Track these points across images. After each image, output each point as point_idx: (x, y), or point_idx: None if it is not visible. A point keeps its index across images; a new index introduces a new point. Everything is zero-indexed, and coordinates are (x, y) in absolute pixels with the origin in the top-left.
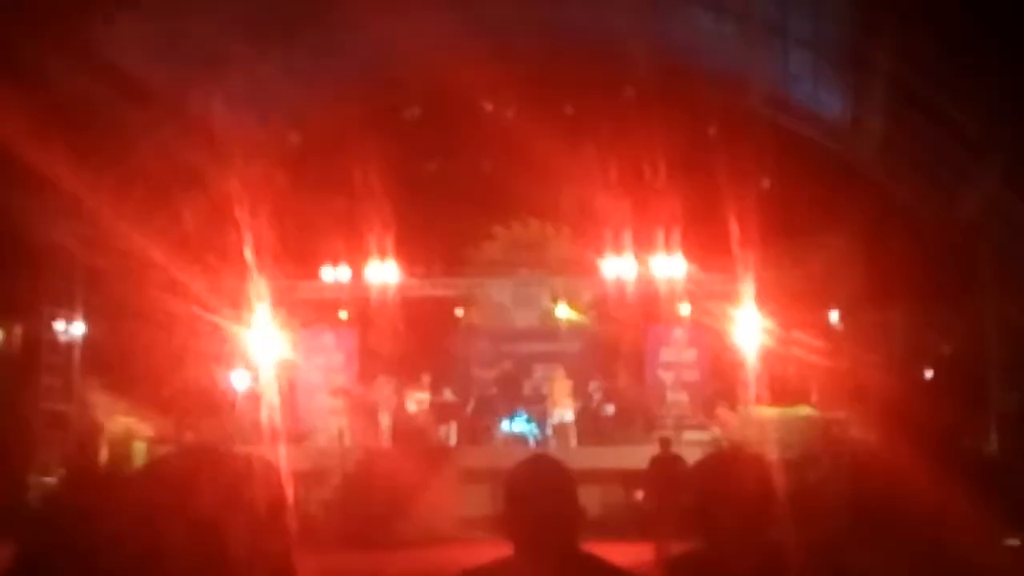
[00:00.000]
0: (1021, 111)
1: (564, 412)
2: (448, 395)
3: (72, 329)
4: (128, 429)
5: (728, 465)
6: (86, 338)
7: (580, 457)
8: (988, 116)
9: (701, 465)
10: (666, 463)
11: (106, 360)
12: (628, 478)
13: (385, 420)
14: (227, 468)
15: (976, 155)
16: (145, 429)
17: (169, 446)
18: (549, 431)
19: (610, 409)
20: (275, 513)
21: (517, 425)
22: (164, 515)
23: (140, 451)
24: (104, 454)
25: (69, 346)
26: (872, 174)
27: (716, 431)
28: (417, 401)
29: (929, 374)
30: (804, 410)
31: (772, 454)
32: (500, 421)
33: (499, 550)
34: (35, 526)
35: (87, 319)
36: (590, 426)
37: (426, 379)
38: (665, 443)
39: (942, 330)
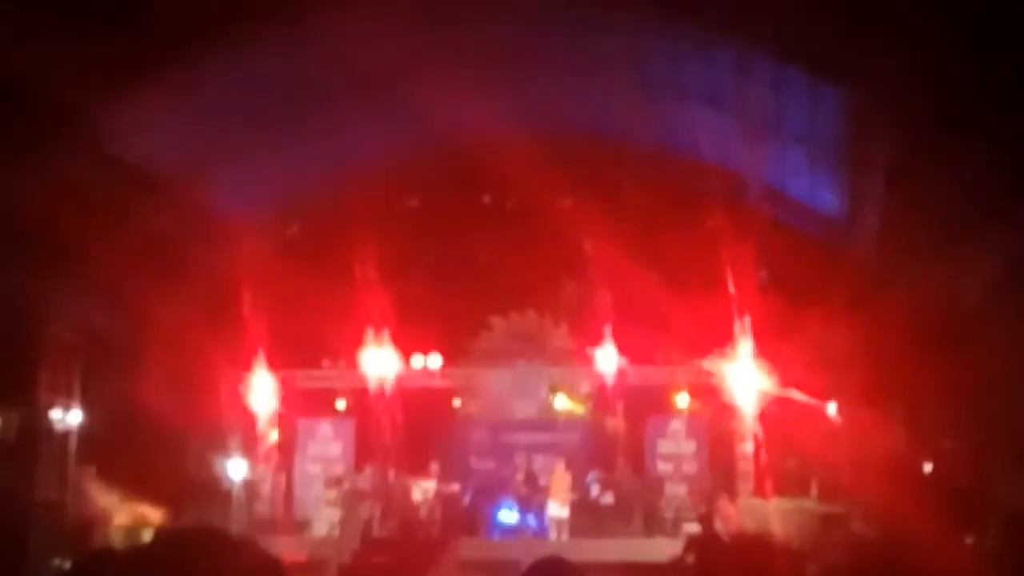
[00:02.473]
0: (1023, 199)
1: (562, 506)
2: (446, 485)
3: (69, 418)
4: (125, 518)
5: (735, 549)
6: (83, 427)
7: (580, 550)
8: (989, 206)
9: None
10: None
11: (103, 449)
12: (630, 571)
13: (381, 511)
14: (230, 550)
15: (977, 245)
16: (142, 519)
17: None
18: (547, 522)
19: (609, 500)
20: None
21: (515, 516)
22: None
23: (137, 540)
24: (100, 543)
25: (65, 435)
26: (870, 268)
27: (717, 523)
28: (418, 491)
29: (929, 468)
30: (804, 503)
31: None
32: (498, 511)
33: None
34: None
35: (84, 408)
36: (589, 518)
37: (424, 469)
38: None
39: (943, 424)
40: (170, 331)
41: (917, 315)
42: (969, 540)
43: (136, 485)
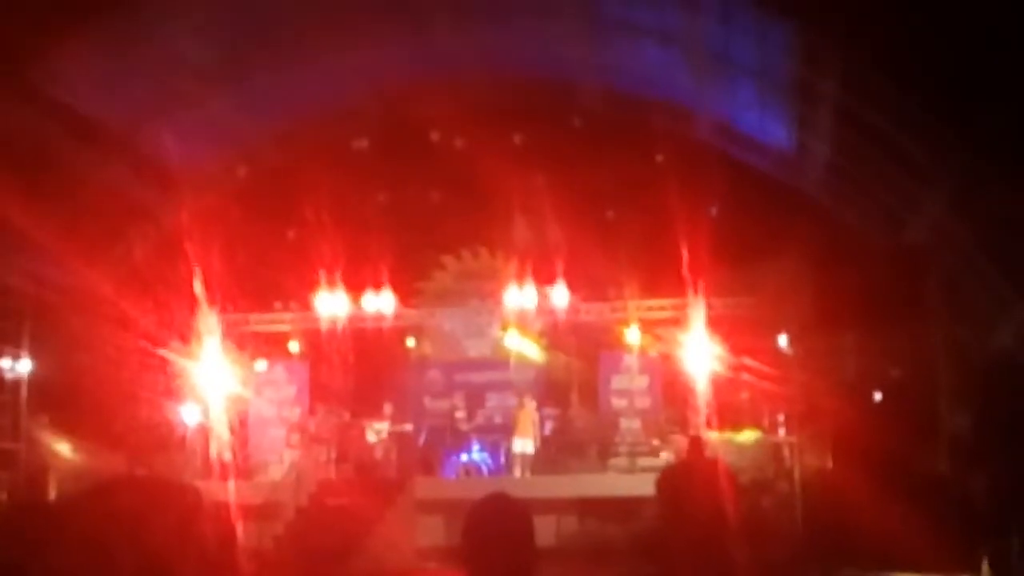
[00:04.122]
0: (966, 136)
1: (526, 442)
2: (400, 426)
3: (19, 366)
4: (78, 466)
5: (687, 481)
6: (34, 375)
7: (534, 487)
8: (933, 142)
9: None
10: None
11: (55, 397)
12: (585, 507)
13: (336, 453)
14: (164, 497)
15: (922, 181)
16: (95, 466)
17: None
18: (502, 460)
19: (563, 437)
20: (217, 543)
21: (470, 455)
22: (104, 543)
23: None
24: (53, 491)
25: (16, 383)
26: (819, 201)
27: (670, 457)
28: (372, 432)
29: (879, 397)
30: (757, 435)
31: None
32: (453, 451)
33: None
34: None
35: (35, 356)
36: (543, 455)
37: (378, 411)
38: (697, 445)
39: (891, 354)
40: (120, 277)
41: (865, 249)
42: (918, 468)
43: (89, 433)
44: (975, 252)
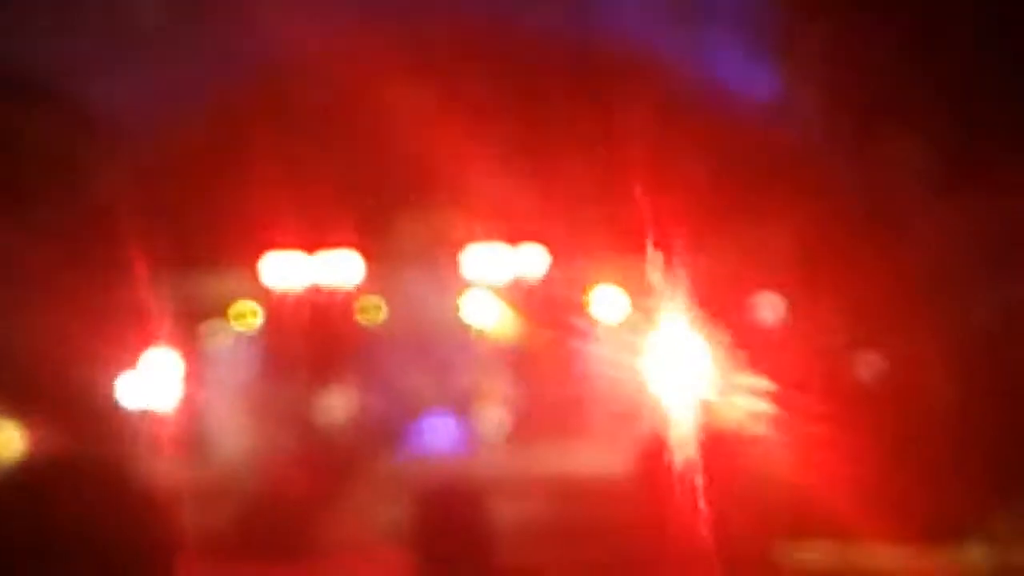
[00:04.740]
0: (962, 97)
1: (495, 413)
2: (360, 398)
3: None
4: (16, 449)
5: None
6: None
7: (505, 461)
8: (929, 102)
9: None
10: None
11: None
12: (558, 482)
13: (290, 427)
14: (106, 478)
15: (916, 141)
16: (27, 440)
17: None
18: (469, 434)
19: (535, 408)
20: (164, 525)
21: (434, 429)
22: (43, 528)
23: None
24: None
25: None
26: (808, 157)
27: (651, 428)
28: (329, 406)
29: (871, 364)
30: (739, 401)
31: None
32: (416, 425)
33: (409, 561)
34: None
35: None
36: (514, 427)
37: (337, 383)
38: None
39: (883, 320)
40: (56, 245)
41: (855, 208)
42: (910, 449)
43: (28, 414)
44: (969, 212)
